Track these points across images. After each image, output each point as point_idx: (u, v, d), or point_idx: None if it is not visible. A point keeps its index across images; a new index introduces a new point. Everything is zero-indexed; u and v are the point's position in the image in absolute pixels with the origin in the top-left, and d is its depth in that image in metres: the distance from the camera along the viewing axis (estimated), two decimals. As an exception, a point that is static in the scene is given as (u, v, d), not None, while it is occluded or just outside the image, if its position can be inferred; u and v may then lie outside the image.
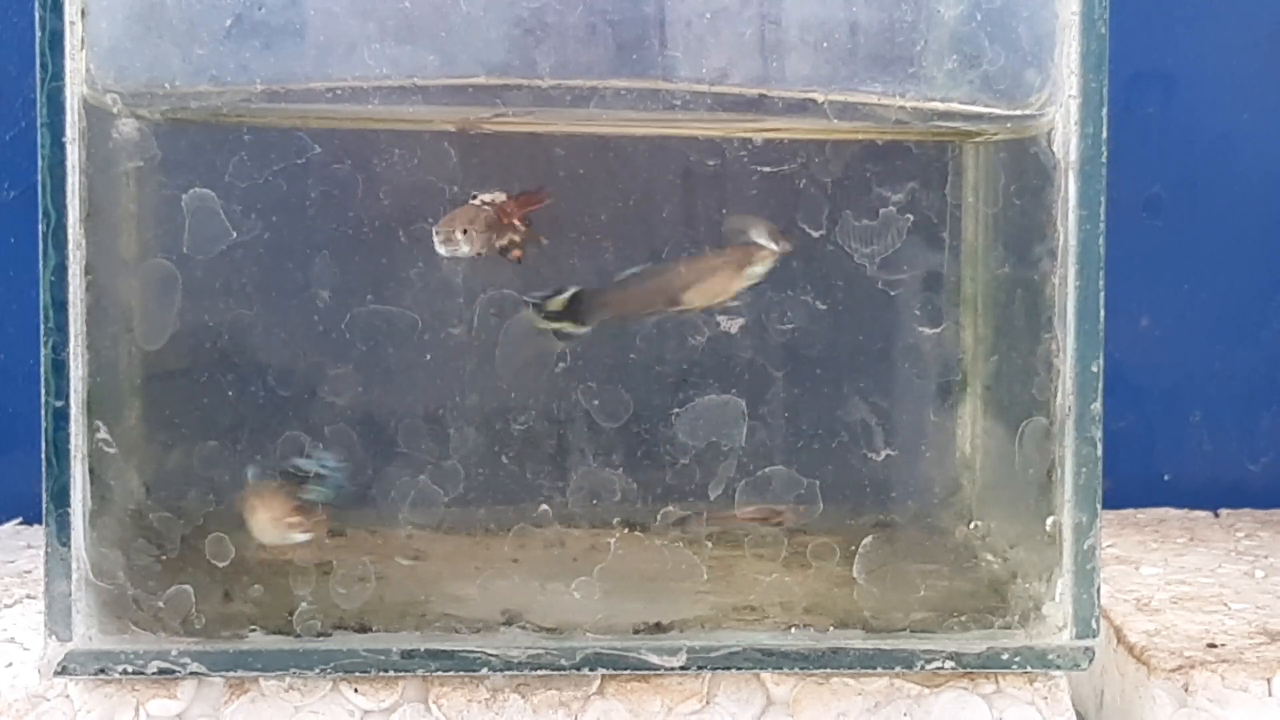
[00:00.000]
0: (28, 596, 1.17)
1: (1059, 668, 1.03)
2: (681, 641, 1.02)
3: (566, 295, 1.06)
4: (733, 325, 1.11)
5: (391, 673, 1.01)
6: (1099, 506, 1.02)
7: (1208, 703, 1.03)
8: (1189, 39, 1.54)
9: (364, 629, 1.02)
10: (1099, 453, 1.02)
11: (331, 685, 1.02)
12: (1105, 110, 1.00)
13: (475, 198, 1.04)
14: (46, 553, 0.99)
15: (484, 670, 1.01)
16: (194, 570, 1.02)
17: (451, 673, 1.01)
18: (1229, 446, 1.58)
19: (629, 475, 1.09)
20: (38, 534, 1.28)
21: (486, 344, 1.10)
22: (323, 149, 1.06)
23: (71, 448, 0.98)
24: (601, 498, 1.09)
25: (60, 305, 0.97)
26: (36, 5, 0.96)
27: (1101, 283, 1.01)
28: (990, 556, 1.11)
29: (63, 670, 0.99)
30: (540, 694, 1.02)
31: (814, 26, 1.01)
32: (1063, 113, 1.01)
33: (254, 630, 1.01)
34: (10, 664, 1.03)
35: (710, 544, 1.08)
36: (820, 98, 1.01)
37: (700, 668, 1.02)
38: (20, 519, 1.44)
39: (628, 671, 1.02)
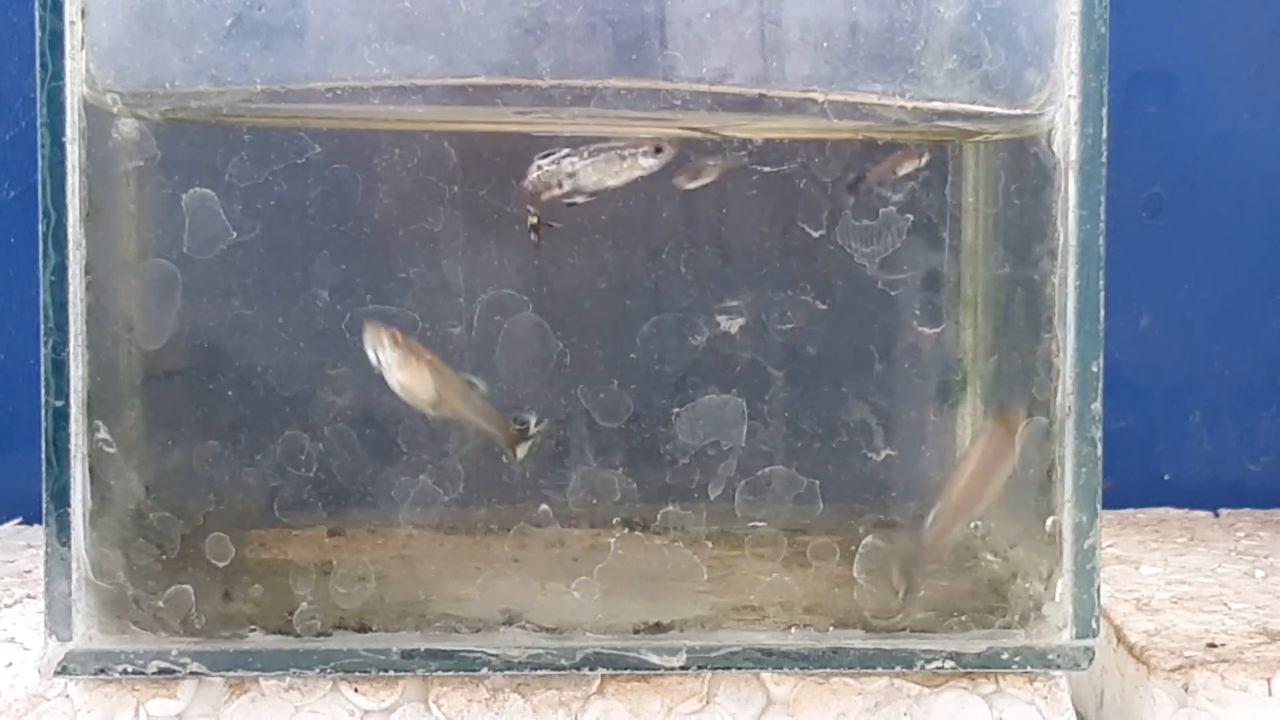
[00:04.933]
0: (28, 596, 1.17)
1: (1059, 667, 1.03)
2: (681, 641, 1.02)
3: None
4: (733, 325, 1.11)
5: (391, 673, 1.01)
6: (1099, 506, 1.02)
7: (1208, 703, 1.03)
8: (1189, 39, 1.53)
9: (364, 629, 1.02)
10: (1099, 453, 1.02)
11: (331, 685, 1.02)
12: (1105, 110, 1.00)
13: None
14: (46, 553, 0.99)
15: (484, 670, 1.01)
16: (194, 570, 1.02)
17: (451, 673, 1.01)
18: (1229, 446, 1.58)
19: (629, 475, 1.09)
20: (38, 534, 1.29)
21: (486, 344, 1.10)
22: (323, 149, 1.06)
23: (71, 448, 0.98)
24: (601, 498, 1.09)
25: (60, 305, 0.97)
26: (36, 5, 0.96)
27: (1101, 283, 1.01)
28: (990, 556, 1.11)
29: (63, 670, 0.99)
30: (540, 694, 1.02)
31: (814, 26, 1.01)
32: (1063, 113, 1.01)
33: (254, 630, 1.01)
34: (10, 664, 1.03)
35: (710, 544, 1.08)
36: (820, 97, 1.01)
37: (700, 667, 1.02)
38: (20, 519, 1.44)
39: (628, 671, 1.02)
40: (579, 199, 1.04)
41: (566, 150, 1.04)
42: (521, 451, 1.08)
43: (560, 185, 1.04)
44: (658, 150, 1.03)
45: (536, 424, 1.08)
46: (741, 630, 1.03)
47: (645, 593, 1.06)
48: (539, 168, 1.04)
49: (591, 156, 1.04)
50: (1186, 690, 1.04)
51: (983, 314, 1.14)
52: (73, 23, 0.96)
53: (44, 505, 0.99)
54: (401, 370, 1.02)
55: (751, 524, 1.08)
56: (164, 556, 1.02)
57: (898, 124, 1.03)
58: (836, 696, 1.03)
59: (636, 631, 1.03)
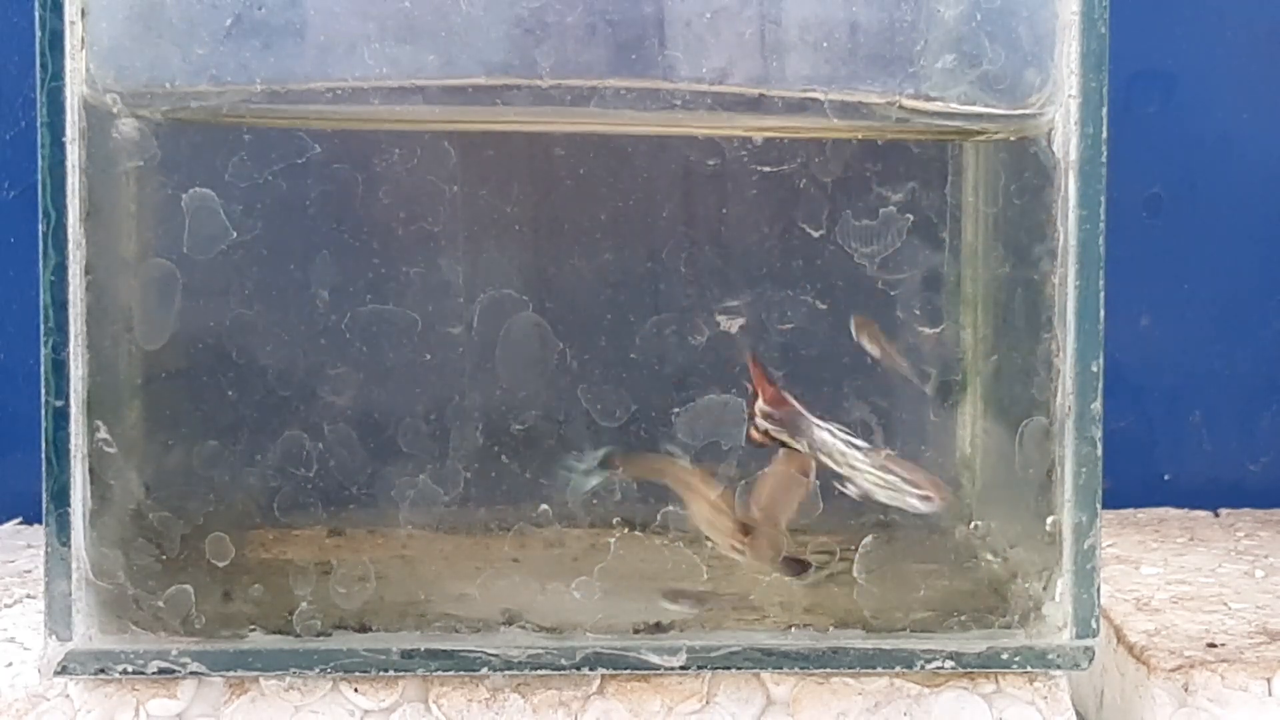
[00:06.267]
0: (28, 596, 1.17)
1: (1059, 667, 1.03)
2: (681, 641, 1.02)
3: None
4: (733, 325, 1.11)
5: (391, 673, 1.01)
6: (1099, 506, 1.02)
7: (1208, 702, 1.03)
8: (1189, 39, 1.54)
9: (364, 629, 1.02)
10: (1099, 453, 1.02)
11: (331, 685, 1.02)
12: (1105, 110, 1.00)
13: None
14: (46, 552, 0.99)
15: (484, 670, 1.01)
16: (194, 570, 1.02)
17: (451, 673, 1.01)
18: (1229, 446, 1.58)
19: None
20: (38, 534, 1.28)
21: (486, 344, 1.10)
22: (323, 149, 1.06)
23: (71, 448, 0.98)
24: (601, 498, 1.09)
25: (60, 305, 0.97)
26: (36, 5, 0.96)
27: (1101, 283, 1.01)
28: (990, 556, 1.11)
29: (63, 670, 0.99)
30: (540, 694, 1.02)
31: (814, 26, 1.01)
32: (1063, 113, 1.01)
33: (254, 630, 1.01)
34: (10, 664, 1.03)
35: (710, 543, 1.08)
36: (821, 97, 1.01)
37: (700, 667, 1.02)
38: (20, 519, 1.44)
39: (628, 671, 1.02)
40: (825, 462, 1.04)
41: (858, 441, 1.03)
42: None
43: (829, 457, 1.03)
44: (927, 499, 1.03)
45: None
46: (741, 630, 1.03)
47: (645, 593, 1.06)
48: (823, 433, 1.03)
49: (877, 469, 1.03)
50: (1186, 690, 1.04)
51: (983, 314, 1.14)
52: (73, 23, 0.96)
53: (44, 505, 0.99)
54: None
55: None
56: (164, 556, 1.02)
57: (898, 124, 1.03)
58: (836, 696, 1.03)
59: (636, 631, 1.03)
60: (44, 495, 0.98)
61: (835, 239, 1.08)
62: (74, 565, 0.99)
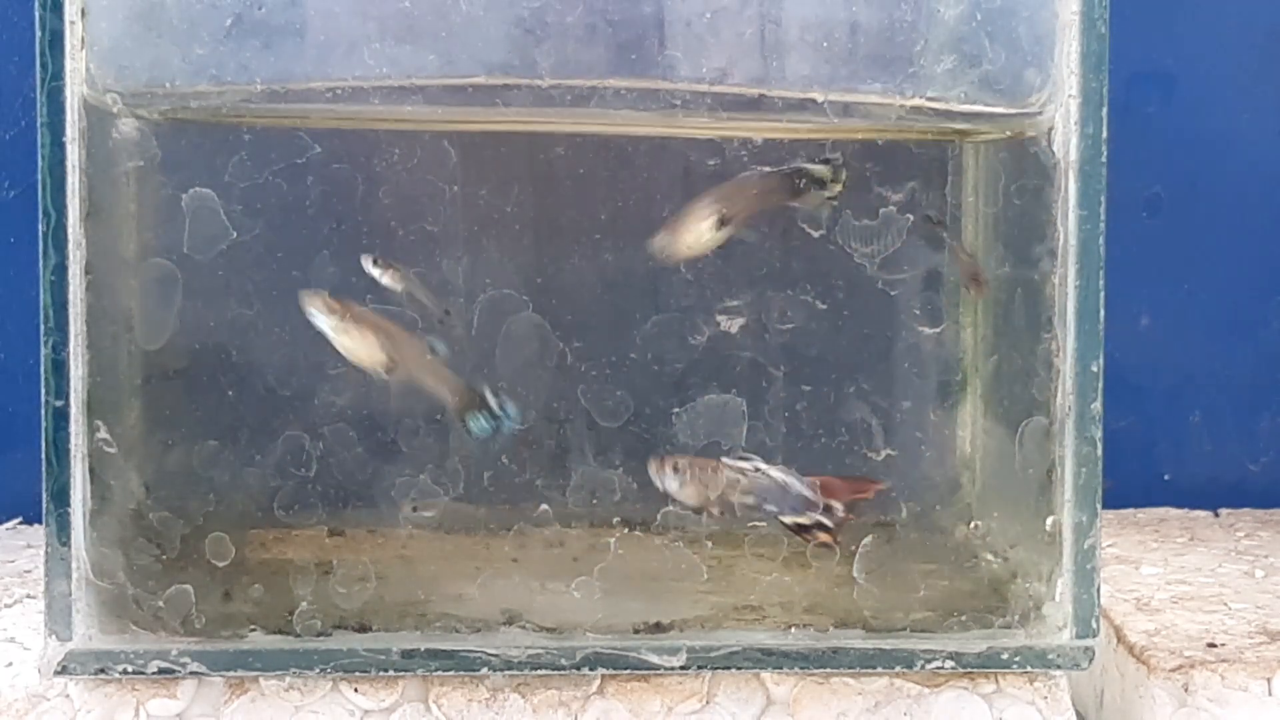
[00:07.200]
0: (28, 596, 1.17)
1: (1059, 667, 1.03)
2: (681, 641, 1.02)
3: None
4: (733, 325, 1.11)
5: (391, 672, 1.01)
6: (1099, 506, 1.02)
7: (1208, 703, 1.03)
8: (1189, 39, 1.53)
9: (364, 629, 1.02)
10: (1099, 453, 1.02)
11: (331, 685, 1.02)
12: (1105, 110, 1.00)
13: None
14: (46, 552, 0.99)
15: (484, 670, 1.01)
16: (194, 570, 1.02)
17: (451, 672, 1.01)
18: (1229, 446, 1.58)
19: (629, 475, 1.09)
20: (38, 534, 1.28)
21: (486, 344, 1.10)
22: (323, 149, 1.06)
23: (71, 448, 0.98)
24: (601, 498, 1.09)
25: (60, 305, 0.97)
26: (36, 5, 0.96)
27: (1101, 283, 1.01)
28: (990, 556, 1.11)
29: (63, 670, 0.99)
30: (540, 694, 1.02)
31: (814, 26, 1.01)
32: (1063, 113, 1.01)
33: (254, 630, 1.01)
34: (10, 664, 1.03)
35: (710, 544, 1.08)
36: (820, 97, 1.01)
37: (700, 667, 1.02)
38: (20, 519, 1.44)
39: (628, 671, 1.02)
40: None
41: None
42: (473, 425, 1.05)
43: None
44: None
45: (500, 406, 1.05)
46: (741, 630, 1.03)
47: (645, 593, 1.06)
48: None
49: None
50: (1186, 690, 1.04)
51: (983, 314, 1.14)
52: (73, 23, 0.96)
53: (44, 505, 0.98)
54: (344, 336, 1.01)
55: (751, 524, 1.08)
56: (164, 556, 1.02)
57: (898, 124, 1.03)
58: (836, 696, 1.03)
59: (636, 631, 1.03)
60: (44, 495, 0.98)
61: (835, 239, 1.08)
62: (74, 565, 0.99)
